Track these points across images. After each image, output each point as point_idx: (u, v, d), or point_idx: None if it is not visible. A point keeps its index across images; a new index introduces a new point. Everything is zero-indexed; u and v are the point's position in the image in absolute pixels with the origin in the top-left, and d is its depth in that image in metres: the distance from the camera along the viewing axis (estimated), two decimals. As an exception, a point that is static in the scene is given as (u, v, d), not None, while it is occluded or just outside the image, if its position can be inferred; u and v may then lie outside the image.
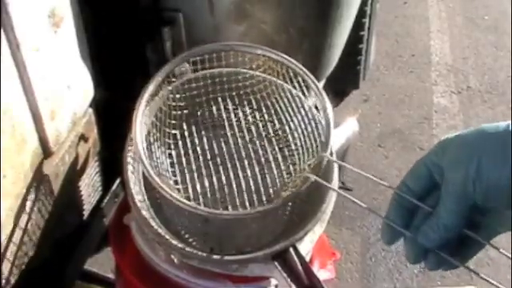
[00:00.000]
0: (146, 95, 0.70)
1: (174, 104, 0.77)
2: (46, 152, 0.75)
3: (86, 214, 0.95)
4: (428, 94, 2.17)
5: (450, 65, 2.31)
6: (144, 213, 0.71)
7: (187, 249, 0.69)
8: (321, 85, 1.33)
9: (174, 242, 0.69)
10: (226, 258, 0.70)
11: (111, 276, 1.14)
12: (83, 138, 0.83)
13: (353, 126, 1.02)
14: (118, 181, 1.02)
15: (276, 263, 0.68)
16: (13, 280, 0.77)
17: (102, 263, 1.27)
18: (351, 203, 1.93)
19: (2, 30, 0.60)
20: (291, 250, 0.69)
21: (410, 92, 2.16)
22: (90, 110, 0.84)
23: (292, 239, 0.70)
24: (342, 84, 1.97)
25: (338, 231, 1.66)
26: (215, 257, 0.70)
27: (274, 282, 0.75)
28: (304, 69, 0.72)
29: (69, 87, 0.77)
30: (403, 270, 1.58)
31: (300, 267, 0.68)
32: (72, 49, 0.77)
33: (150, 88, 0.71)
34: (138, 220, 0.73)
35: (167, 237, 0.70)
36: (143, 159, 0.66)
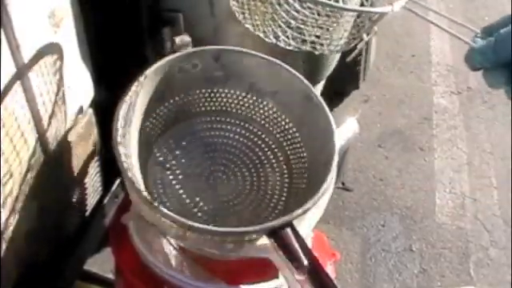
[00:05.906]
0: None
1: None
2: (46, 152, 0.75)
3: (86, 214, 0.95)
4: (428, 95, 2.17)
5: (451, 65, 2.31)
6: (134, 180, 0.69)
7: (184, 220, 0.65)
8: (321, 86, 1.33)
9: (171, 214, 0.66)
10: (222, 229, 0.68)
11: (111, 276, 1.14)
12: (83, 137, 0.83)
13: (353, 126, 1.01)
14: (117, 181, 1.02)
15: (272, 240, 0.66)
16: (13, 280, 0.77)
17: (102, 263, 1.26)
18: (351, 203, 1.90)
19: (2, 30, 0.60)
20: (288, 229, 0.67)
21: (410, 92, 2.16)
22: (90, 110, 0.84)
23: (289, 216, 0.67)
24: (342, 84, 1.98)
25: (337, 232, 1.65)
26: (212, 228, 0.67)
27: (272, 284, 0.74)
28: None
29: (69, 87, 0.77)
30: (403, 271, 1.58)
31: (297, 245, 0.66)
32: (72, 49, 0.77)
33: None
34: (128, 184, 0.71)
35: (163, 210, 0.66)
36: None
